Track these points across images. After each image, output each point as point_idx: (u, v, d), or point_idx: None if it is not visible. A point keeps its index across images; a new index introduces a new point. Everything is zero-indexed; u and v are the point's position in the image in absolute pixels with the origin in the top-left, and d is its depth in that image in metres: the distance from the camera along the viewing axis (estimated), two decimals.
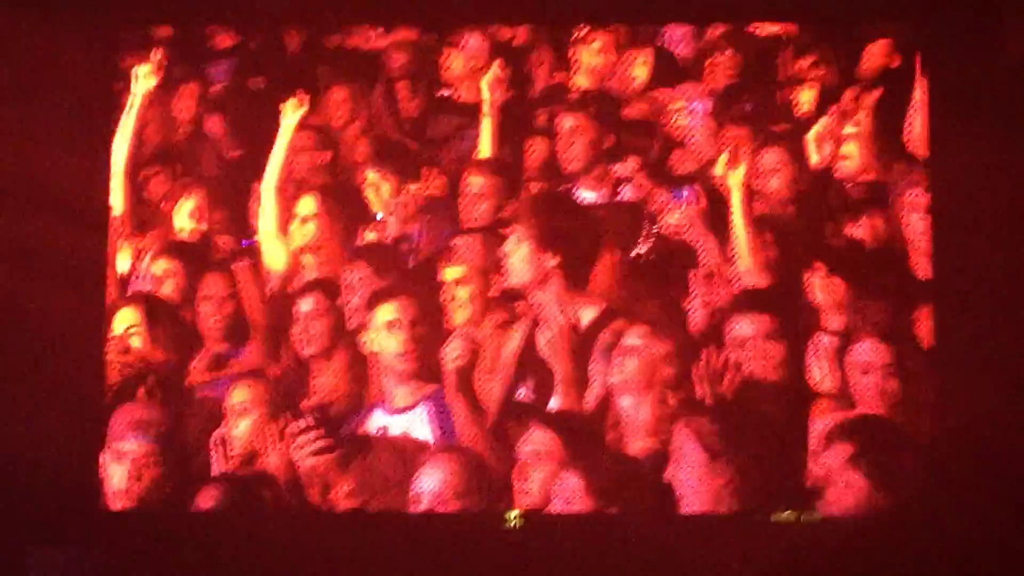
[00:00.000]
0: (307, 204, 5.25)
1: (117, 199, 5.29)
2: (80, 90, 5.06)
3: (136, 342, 5.14)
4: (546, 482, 4.55)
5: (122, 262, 5.32)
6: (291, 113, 5.21)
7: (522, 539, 4.68)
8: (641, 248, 4.98)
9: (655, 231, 5.03)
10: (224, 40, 5.50)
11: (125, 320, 5.16)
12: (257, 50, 5.50)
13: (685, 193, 5.02)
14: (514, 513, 4.67)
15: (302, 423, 4.83)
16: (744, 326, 4.66)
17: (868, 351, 4.58)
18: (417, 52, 5.47)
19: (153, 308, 5.18)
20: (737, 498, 4.32)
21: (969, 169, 4.76)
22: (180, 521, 4.90)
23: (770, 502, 4.46)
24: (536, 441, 4.61)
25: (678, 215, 5.00)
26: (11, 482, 4.94)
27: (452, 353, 4.77)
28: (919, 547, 4.58)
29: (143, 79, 5.25)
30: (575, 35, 5.34)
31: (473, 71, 5.40)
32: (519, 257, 4.79)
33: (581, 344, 4.74)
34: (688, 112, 5.21)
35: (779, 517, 4.54)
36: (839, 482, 4.37)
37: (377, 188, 5.27)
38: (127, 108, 5.25)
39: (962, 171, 4.77)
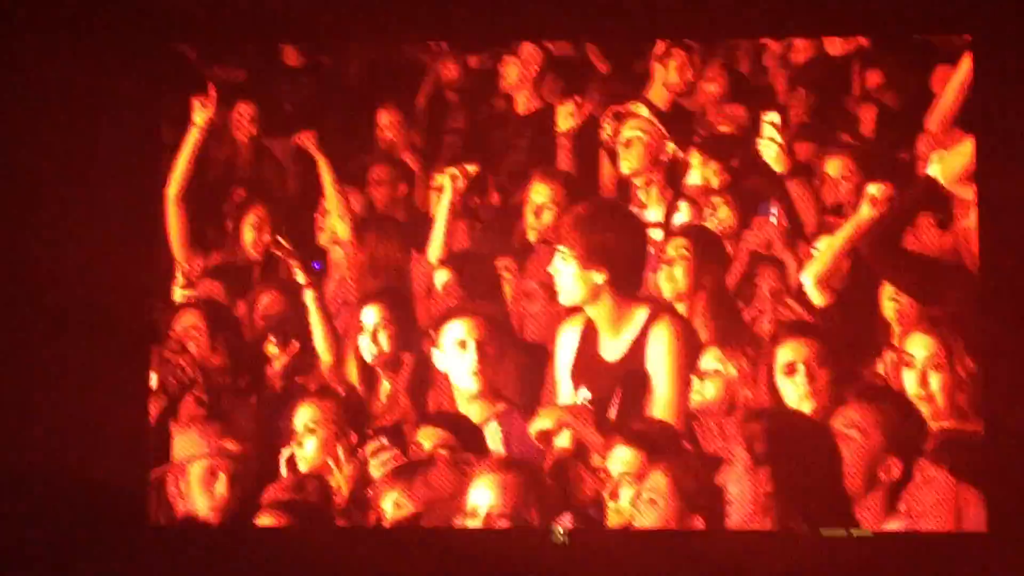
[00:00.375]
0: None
1: (172, 226, 5.30)
2: (134, 103, 5.14)
3: (193, 346, 5.14)
4: (635, 500, 4.56)
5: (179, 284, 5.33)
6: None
7: (569, 555, 4.69)
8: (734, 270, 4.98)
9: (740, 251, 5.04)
10: (292, 58, 5.48)
11: (186, 323, 5.17)
12: (324, 69, 5.47)
13: (773, 210, 5.00)
14: (560, 529, 4.69)
15: (378, 442, 4.86)
16: (790, 352, 4.67)
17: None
18: (466, 63, 5.44)
19: (215, 314, 5.19)
20: (779, 508, 4.32)
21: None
22: (244, 537, 4.92)
23: (813, 516, 4.44)
24: (620, 459, 4.60)
25: (763, 232, 5.00)
26: (58, 494, 4.98)
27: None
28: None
29: (200, 113, 5.25)
30: (654, 51, 5.28)
31: (527, 80, 5.38)
32: (567, 276, 4.79)
33: (635, 345, 4.78)
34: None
35: (829, 532, 4.52)
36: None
37: (441, 190, 5.23)
38: (187, 139, 5.25)
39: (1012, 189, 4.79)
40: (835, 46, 5.26)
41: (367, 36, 5.22)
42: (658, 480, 4.47)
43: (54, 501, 5.00)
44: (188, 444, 4.98)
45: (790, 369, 4.65)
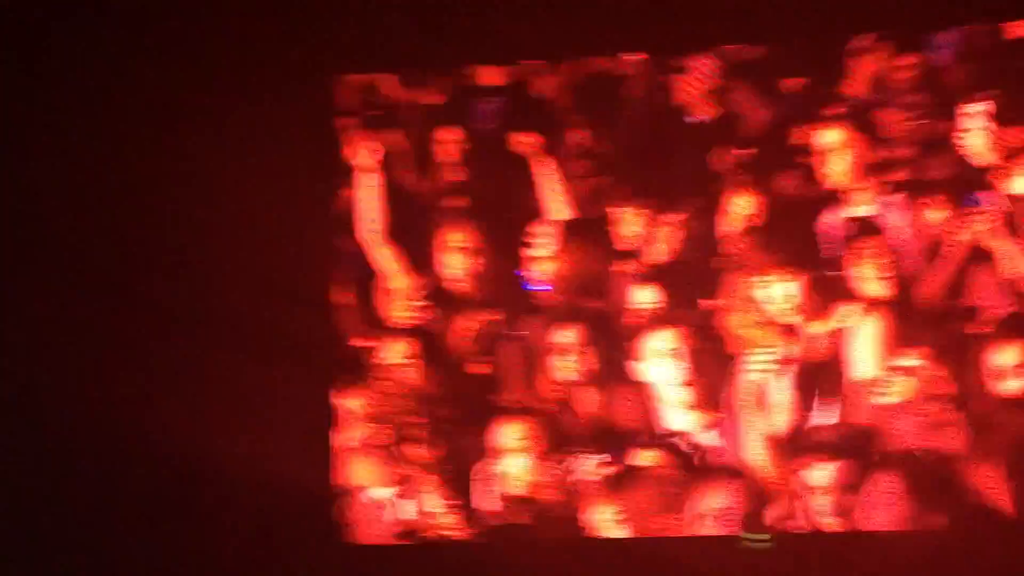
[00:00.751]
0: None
1: (385, 263, 5.28)
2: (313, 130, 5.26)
3: (404, 373, 5.17)
4: (838, 506, 4.62)
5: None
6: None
7: (775, 559, 4.73)
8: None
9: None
10: (489, 78, 5.46)
11: (397, 352, 5.20)
12: (516, 88, 5.44)
13: (982, 202, 4.88)
14: (755, 535, 4.73)
15: (586, 457, 4.91)
16: (1006, 350, 4.60)
17: None
18: (651, 75, 5.38)
19: (427, 342, 5.19)
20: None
21: None
22: (447, 554, 5.02)
23: None
24: (821, 474, 4.65)
25: (974, 225, 4.86)
26: (253, 513, 5.13)
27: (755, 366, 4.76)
28: None
29: (366, 159, 5.27)
30: (855, 44, 5.13)
31: (706, 91, 5.32)
32: (773, 298, 4.78)
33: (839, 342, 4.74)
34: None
35: None
36: None
37: (621, 222, 5.20)
38: (364, 185, 5.26)
39: None
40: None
41: (559, 52, 5.23)
42: (888, 485, 4.54)
43: (245, 517, 5.17)
44: (369, 469, 5.11)
45: (1005, 367, 4.57)
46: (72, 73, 5.31)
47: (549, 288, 5.18)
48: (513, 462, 4.98)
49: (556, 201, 5.16)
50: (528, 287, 5.17)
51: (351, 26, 5.25)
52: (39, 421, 5.24)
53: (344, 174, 5.28)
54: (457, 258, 5.26)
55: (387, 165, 5.29)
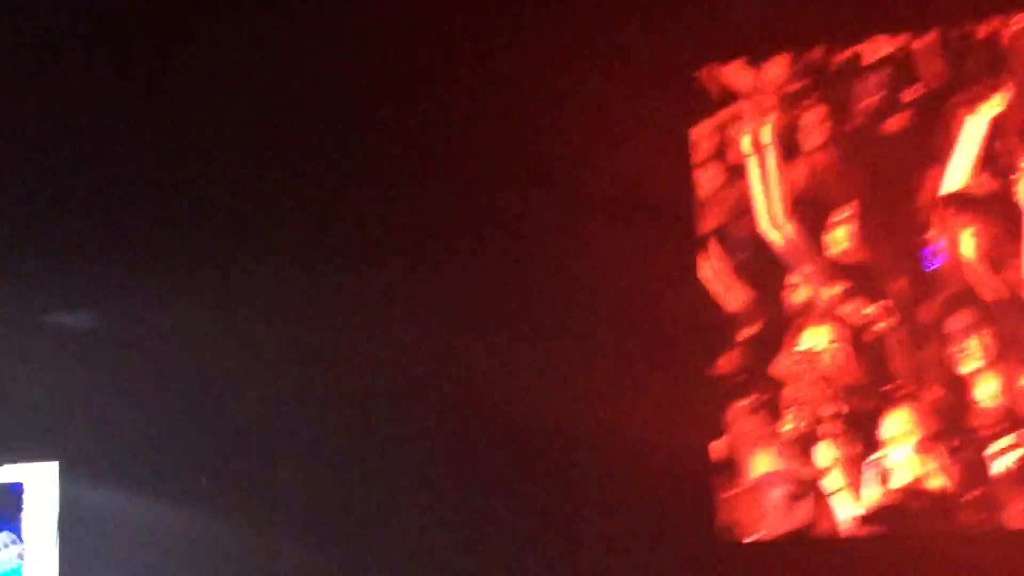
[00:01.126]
0: None
1: (777, 249, 5.22)
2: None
3: (827, 359, 5.06)
4: None
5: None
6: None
7: None
8: None
9: None
10: (868, 54, 5.28)
11: (820, 336, 5.09)
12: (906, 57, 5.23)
13: None
14: None
15: (998, 444, 4.68)
16: None
17: None
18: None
19: (832, 327, 5.07)
20: None
21: None
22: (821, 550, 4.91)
23: None
24: None
25: None
26: (632, 506, 5.16)
27: None
28: None
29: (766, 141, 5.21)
30: None
31: None
32: None
33: None
34: None
35: None
36: None
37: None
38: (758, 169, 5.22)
39: None
40: None
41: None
42: None
43: (623, 510, 5.21)
44: (769, 463, 5.03)
45: None
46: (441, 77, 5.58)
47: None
48: (915, 454, 4.83)
49: (958, 172, 4.92)
50: (930, 266, 4.96)
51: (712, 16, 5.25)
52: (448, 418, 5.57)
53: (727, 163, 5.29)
54: (845, 241, 5.10)
55: (761, 151, 5.24)
